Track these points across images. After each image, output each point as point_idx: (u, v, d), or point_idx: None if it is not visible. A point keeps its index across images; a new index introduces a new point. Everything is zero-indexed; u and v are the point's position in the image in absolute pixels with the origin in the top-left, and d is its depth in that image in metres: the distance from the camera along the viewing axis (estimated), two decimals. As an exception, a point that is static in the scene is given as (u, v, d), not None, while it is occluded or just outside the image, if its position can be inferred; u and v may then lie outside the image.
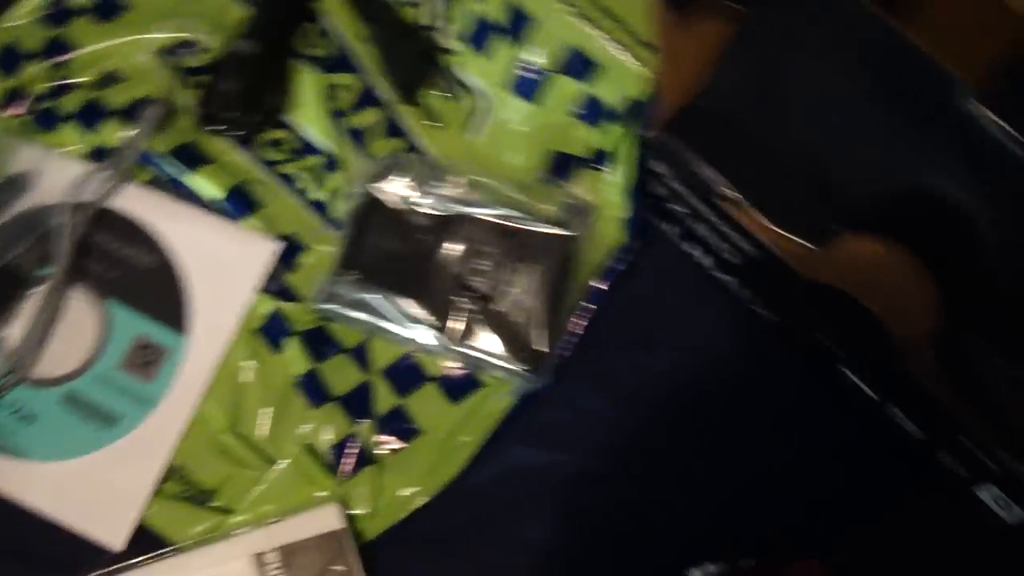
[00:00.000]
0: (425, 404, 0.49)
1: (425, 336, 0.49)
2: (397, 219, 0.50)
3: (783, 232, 0.44)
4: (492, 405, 0.49)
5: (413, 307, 0.49)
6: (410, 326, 0.49)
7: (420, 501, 0.48)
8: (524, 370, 0.48)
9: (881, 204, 0.43)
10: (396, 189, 0.51)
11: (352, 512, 0.47)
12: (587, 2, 0.51)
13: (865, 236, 0.43)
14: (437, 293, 0.49)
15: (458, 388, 0.49)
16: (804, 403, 0.50)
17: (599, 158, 0.52)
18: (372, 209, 0.50)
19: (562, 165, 0.52)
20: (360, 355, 0.50)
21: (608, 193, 0.51)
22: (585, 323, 0.50)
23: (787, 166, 0.44)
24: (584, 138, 0.52)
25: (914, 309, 0.43)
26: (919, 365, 0.43)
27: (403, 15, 0.54)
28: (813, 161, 0.44)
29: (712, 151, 0.46)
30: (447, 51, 0.54)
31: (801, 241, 0.44)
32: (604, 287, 0.50)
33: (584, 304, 0.50)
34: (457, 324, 0.48)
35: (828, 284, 0.43)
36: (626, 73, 0.50)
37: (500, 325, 0.48)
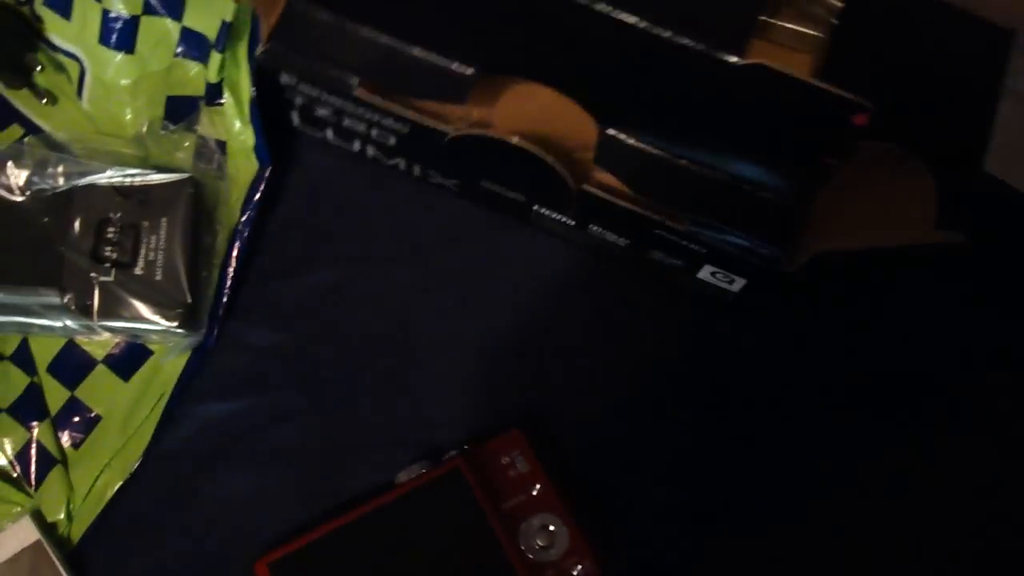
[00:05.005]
0: (98, 389, 0.47)
1: (75, 321, 0.46)
2: (14, 210, 0.47)
3: (423, 100, 0.44)
4: (165, 370, 0.47)
5: (52, 296, 0.46)
6: (58, 315, 0.46)
7: (115, 485, 0.46)
8: (176, 326, 0.46)
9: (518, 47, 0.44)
10: (15, 180, 0.48)
11: (52, 520, 0.45)
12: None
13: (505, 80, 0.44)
14: (74, 274, 0.46)
15: (126, 363, 0.48)
16: (509, 255, 0.50)
17: (214, 92, 0.50)
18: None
19: (181, 108, 0.50)
20: (22, 359, 0.48)
21: (231, 125, 0.50)
22: (235, 261, 0.48)
23: (410, 36, 0.44)
24: (195, 75, 0.50)
25: (575, 134, 0.43)
26: (593, 180, 0.44)
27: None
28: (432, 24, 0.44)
29: (328, 46, 0.45)
30: (40, 25, 0.51)
31: (445, 103, 0.44)
32: (244, 218, 0.49)
33: (233, 242, 0.48)
34: (98, 301, 0.46)
35: (483, 136, 0.44)
36: (208, -1, 0.48)
37: (142, 289, 0.46)
